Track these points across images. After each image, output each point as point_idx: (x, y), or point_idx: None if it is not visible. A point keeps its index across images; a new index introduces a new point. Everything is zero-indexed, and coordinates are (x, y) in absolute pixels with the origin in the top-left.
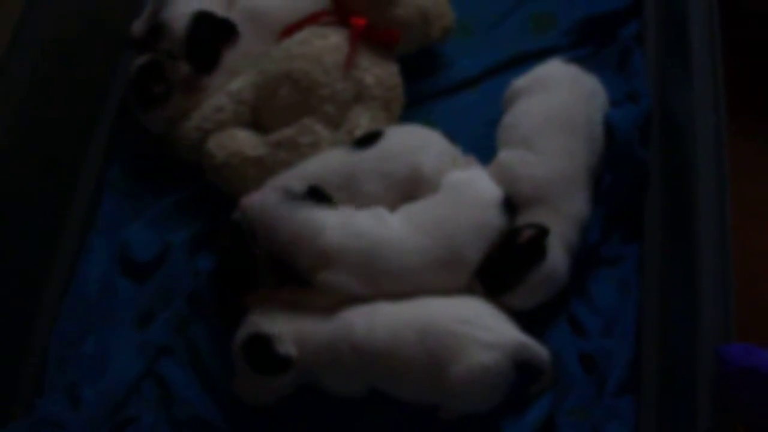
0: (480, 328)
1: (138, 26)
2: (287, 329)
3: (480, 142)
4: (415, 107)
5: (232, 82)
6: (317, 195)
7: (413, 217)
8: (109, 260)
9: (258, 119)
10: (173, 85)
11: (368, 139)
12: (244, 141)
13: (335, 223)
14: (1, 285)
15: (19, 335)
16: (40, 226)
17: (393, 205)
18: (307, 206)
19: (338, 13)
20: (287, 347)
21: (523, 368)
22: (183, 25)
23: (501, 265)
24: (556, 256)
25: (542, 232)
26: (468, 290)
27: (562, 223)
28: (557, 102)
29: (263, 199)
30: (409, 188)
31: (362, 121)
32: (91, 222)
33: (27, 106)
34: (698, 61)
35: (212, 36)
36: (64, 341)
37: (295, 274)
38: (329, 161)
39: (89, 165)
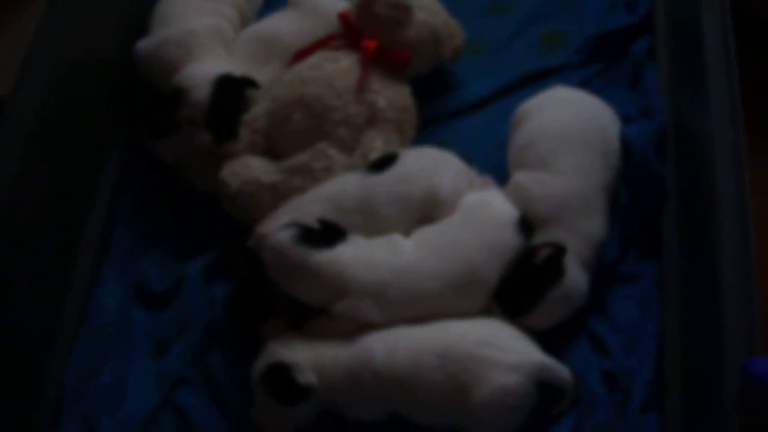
0: (501, 350)
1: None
2: (306, 357)
3: (493, 163)
4: (427, 129)
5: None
6: (330, 229)
7: (429, 240)
8: (123, 291)
9: (272, 145)
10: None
11: (383, 163)
12: (257, 168)
13: (350, 259)
14: (15, 318)
15: (34, 367)
16: (53, 258)
17: (409, 228)
18: (322, 247)
19: (348, 37)
20: (307, 376)
21: (544, 389)
22: (206, 94)
23: (518, 286)
24: (574, 275)
25: (559, 251)
26: (486, 312)
27: (579, 241)
28: (568, 119)
29: (276, 240)
30: (425, 211)
31: (376, 144)
32: (104, 253)
33: (37, 136)
34: (713, 74)
35: (234, 103)
36: (80, 373)
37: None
38: (344, 185)
39: (101, 195)
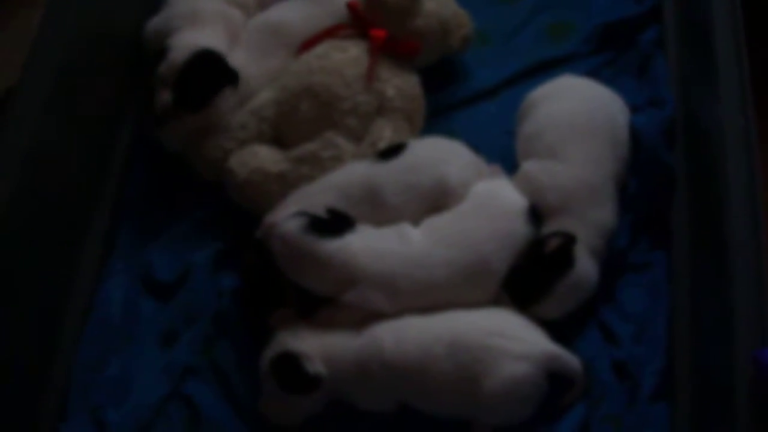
0: (510, 340)
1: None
2: (315, 347)
3: (501, 152)
4: (435, 118)
5: (254, 99)
6: (338, 219)
7: (438, 229)
8: (130, 282)
9: (280, 135)
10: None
11: (392, 152)
12: (265, 157)
13: (358, 248)
14: (22, 310)
15: (41, 360)
16: (59, 249)
17: (418, 217)
18: (331, 236)
19: (357, 26)
20: (316, 365)
21: (554, 379)
22: (182, 58)
23: (528, 275)
24: (584, 264)
25: (569, 240)
26: (496, 302)
27: (588, 231)
28: (577, 108)
29: (284, 230)
30: (434, 200)
31: (385, 133)
32: (110, 244)
33: (44, 127)
34: (724, 64)
35: (209, 78)
36: (87, 364)
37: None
38: (353, 174)
39: (107, 186)
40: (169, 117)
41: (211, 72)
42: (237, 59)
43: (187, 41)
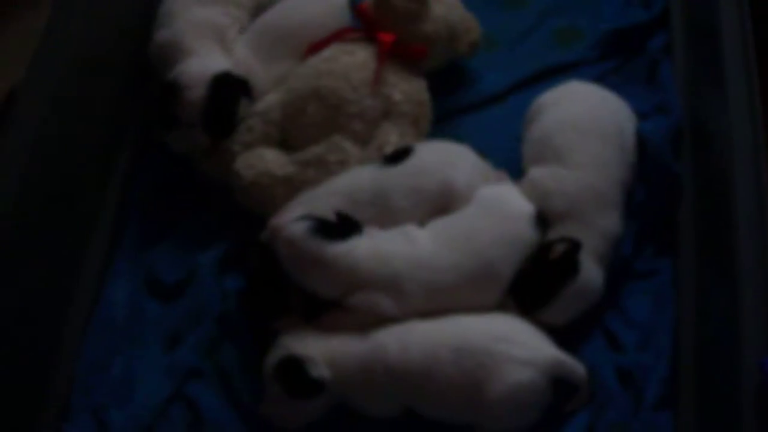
0: (515, 346)
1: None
2: (319, 351)
3: (508, 157)
4: (442, 123)
5: (260, 102)
6: (344, 222)
7: (444, 233)
8: (135, 282)
9: (286, 138)
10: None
11: (398, 156)
12: (272, 160)
13: (365, 251)
14: (25, 309)
15: (44, 359)
16: (64, 250)
17: (424, 221)
18: (337, 240)
19: (365, 29)
20: (320, 369)
21: (559, 385)
22: (201, 94)
23: (533, 281)
24: (590, 271)
25: (575, 247)
26: (501, 307)
27: (594, 237)
28: (584, 114)
29: (290, 233)
30: (440, 204)
31: (391, 137)
32: (115, 244)
33: (50, 127)
34: (731, 71)
35: (230, 101)
36: (90, 365)
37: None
38: (359, 178)
39: (113, 186)
40: (211, 151)
41: (227, 93)
42: (243, 61)
43: (193, 72)
